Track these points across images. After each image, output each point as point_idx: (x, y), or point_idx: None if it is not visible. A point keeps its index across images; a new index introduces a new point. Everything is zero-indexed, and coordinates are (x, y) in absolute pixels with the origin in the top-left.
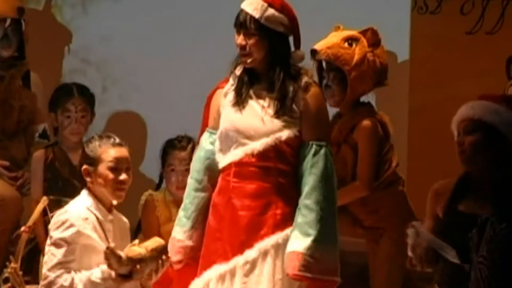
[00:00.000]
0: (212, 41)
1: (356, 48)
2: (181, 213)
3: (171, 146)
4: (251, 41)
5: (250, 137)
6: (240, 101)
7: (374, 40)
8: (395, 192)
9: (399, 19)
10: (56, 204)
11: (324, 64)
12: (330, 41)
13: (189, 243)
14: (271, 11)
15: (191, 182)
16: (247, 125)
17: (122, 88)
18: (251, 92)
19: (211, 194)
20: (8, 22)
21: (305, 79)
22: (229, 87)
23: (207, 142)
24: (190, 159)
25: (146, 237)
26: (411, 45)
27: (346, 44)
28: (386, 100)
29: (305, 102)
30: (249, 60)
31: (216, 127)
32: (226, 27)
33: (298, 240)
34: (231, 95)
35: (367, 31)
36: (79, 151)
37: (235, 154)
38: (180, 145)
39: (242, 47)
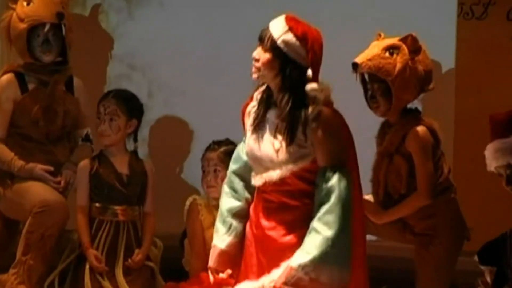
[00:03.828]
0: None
1: (397, 57)
2: (217, 219)
3: (206, 149)
4: (263, 57)
5: (267, 166)
6: (257, 126)
7: (415, 47)
8: (448, 199)
9: (445, 25)
10: (102, 211)
11: (366, 76)
12: (370, 53)
13: (220, 246)
14: (289, 35)
15: (227, 190)
16: (263, 155)
17: (168, 93)
18: (267, 116)
19: (246, 203)
20: (47, 27)
21: (316, 107)
22: (251, 108)
23: (243, 153)
24: (218, 159)
25: (191, 242)
26: (457, 51)
27: (387, 54)
28: (432, 106)
29: (314, 131)
30: (255, 75)
31: None
32: None
33: (297, 257)
34: (251, 118)
35: (407, 38)
36: (122, 158)
37: (257, 179)
38: (211, 147)
39: (255, 60)
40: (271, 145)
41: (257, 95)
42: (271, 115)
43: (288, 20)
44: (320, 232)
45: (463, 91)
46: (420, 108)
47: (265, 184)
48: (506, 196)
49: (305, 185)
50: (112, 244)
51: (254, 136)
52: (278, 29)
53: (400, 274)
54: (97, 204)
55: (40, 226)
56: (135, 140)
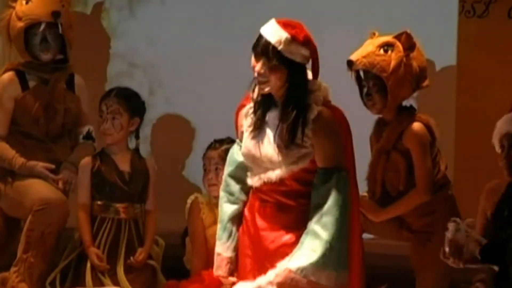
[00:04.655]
0: None
1: (392, 54)
2: (218, 226)
3: (207, 148)
4: (270, 70)
5: (267, 167)
6: (256, 128)
7: (409, 44)
8: (445, 196)
9: (447, 23)
10: (104, 209)
11: (361, 73)
12: (365, 50)
13: (227, 254)
14: (294, 44)
15: (222, 194)
16: (263, 156)
17: (169, 91)
18: (267, 117)
19: (244, 205)
20: (43, 26)
21: (313, 109)
22: (248, 109)
23: (238, 154)
24: (220, 157)
25: (192, 240)
26: (458, 48)
27: (381, 51)
28: (433, 104)
29: (315, 132)
30: (266, 89)
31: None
32: None
33: (295, 259)
34: (249, 119)
35: (402, 35)
36: (124, 156)
37: (255, 180)
38: (213, 146)
39: (261, 75)
40: (271, 146)
41: (254, 97)
42: (271, 116)
43: (285, 27)
44: (319, 234)
45: (464, 88)
46: (421, 105)
47: (263, 184)
48: None
49: (302, 187)
50: (114, 242)
51: (253, 137)
52: (280, 39)
53: (399, 272)
54: (98, 202)
55: (41, 224)
56: (137, 137)
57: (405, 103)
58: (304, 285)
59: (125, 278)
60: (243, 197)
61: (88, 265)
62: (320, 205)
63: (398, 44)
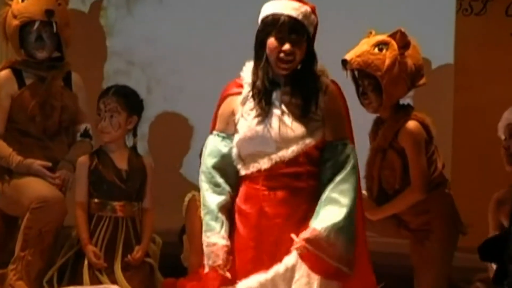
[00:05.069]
0: None
1: (386, 52)
2: (206, 217)
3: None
4: (299, 47)
5: (278, 146)
6: (262, 109)
7: (404, 42)
8: (442, 194)
9: (444, 21)
10: (101, 207)
11: (356, 73)
12: (359, 49)
13: (224, 242)
14: (312, 16)
15: (206, 186)
16: (273, 134)
17: (167, 89)
18: (273, 98)
19: (230, 196)
20: (36, 24)
21: (323, 80)
22: (246, 94)
23: (221, 146)
24: None
25: (190, 238)
26: (456, 46)
27: (376, 50)
28: (430, 102)
29: (325, 104)
30: (293, 67)
31: (228, 132)
32: None
33: (318, 221)
34: (250, 104)
35: (396, 34)
36: (121, 154)
37: (263, 163)
38: None
39: (290, 53)
40: (282, 124)
41: (250, 82)
42: (278, 96)
43: (302, 2)
44: (338, 200)
45: (462, 87)
46: (418, 103)
47: (272, 166)
48: None
49: (312, 166)
50: (111, 240)
51: (257, 119)
52: (305, 14)
53: (399, 270)
54: (96, 200)
55: (38, 222)
56: (135, 135)
57: (402, 101)
58: (324, 244)
59: (122, 276)
60: (228, 188)
61: (86, 263)
62: (334, 176)
63: (393, 42)
